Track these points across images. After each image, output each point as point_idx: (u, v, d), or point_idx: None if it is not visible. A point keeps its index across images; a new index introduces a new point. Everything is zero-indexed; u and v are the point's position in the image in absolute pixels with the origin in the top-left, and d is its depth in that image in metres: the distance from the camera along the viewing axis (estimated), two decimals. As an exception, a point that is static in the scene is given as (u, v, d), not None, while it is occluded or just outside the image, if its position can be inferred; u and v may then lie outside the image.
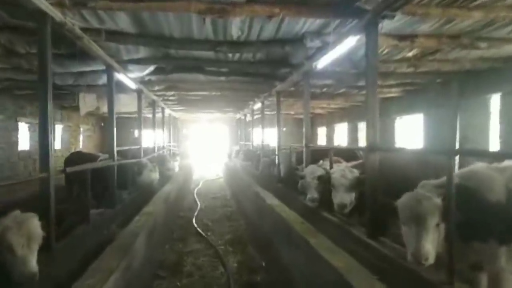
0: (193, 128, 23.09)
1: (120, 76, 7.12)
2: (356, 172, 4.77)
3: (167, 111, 15.26)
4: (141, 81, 8.66)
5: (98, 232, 5.25)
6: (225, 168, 17.88)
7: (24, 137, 12.52)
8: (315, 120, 20.66)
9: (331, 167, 5.47)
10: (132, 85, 8.06)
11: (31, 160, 12.83)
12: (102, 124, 20.68)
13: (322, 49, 5.66)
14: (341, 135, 17.47)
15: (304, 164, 6.82)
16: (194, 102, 13.44)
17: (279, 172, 8.73)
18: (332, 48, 5.35)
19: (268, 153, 11.62)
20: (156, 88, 9.78)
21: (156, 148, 11.61)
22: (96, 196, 7.13)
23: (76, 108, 16.13)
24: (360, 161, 5.34)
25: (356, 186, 4.66)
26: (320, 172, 5.64)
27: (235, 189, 11.52)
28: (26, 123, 12.47)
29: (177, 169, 16.14)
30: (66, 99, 10.73)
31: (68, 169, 4.32)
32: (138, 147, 9.03)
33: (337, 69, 7.38)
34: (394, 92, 11.05)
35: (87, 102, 10.25)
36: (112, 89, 6.53)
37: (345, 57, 6.05)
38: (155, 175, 8.33)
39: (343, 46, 5.22)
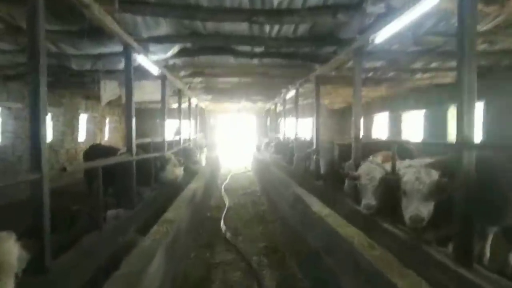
0: (220, 119, 22.24)
1: (140, 59, 6.22)
2: (434, 174, 3.64)
3: (194, 101, 14.41)
4: (165, 65, 7.76)
5: (112, 241, 4.41)
6: (254, 160, 16.92)
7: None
8: (348, 111, 19.28)
9: (393, 167, 4.36)
10: (155, 70, 7.16)
11: (54, 152, 12.33)
12: (128, 115, 20.15)
13: (384, 17, 4.51)
14: (379, 127, 16.09)
15: (352, 161, 5.71)
16: (222, 91, 12.49)
17: (318, 168, 7.66)
18: (400, 15, 4.20)
19: (303, 146, 10.55)
20: (182, 73, 8.87)
21: (181, 141, 10.77)
22: (117, 194, 6.43)
23: (76, 92, 15.62)
24: (441, 157, 4.15)
25: (436, 193, 3.54)
26: (379, 172, 4.53)
27: (266, 184, 10.54)
28: (49, 112, 11.94)
29: (204, 162, 15.47)
30: (88, 87, 10.03)
31: (70, 167, 3.43)
32: (162, 139, 8.17)
33: (394, 46, 6.18)
34: (450, 77, 9.63)
35: (108, 90, 9.48)
36: (130, 72, 5.64)
37: (407, 30, 4.87)
38: (180, 171, 7.47)
39: (414, 12, 4.07)
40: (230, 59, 7.52)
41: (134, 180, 5.54)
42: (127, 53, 5.55)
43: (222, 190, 11.32)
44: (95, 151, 7.53)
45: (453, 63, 8.26)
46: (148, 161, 6.57)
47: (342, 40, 5.84)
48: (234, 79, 10.34)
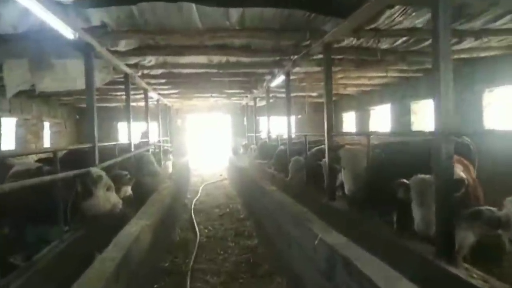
0: (189, 119, 19.19)
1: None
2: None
3: (153, 95, 11.41)
4: (89, 27, 4.84)
5: None
6: (230, 166, 14.10)
7: None
8: (338, 104, 16.80)
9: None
10: (65, 30, 4.22)
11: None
12: (78, 117, 16.83)
13: None
14: (378, 121, 13.67)
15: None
16: (188, 78, 9.58)
17: (331, 182, 5.04)
18: None
19: (300, 149, 7.87)
20: (123, 45, 5.92)
21: (132, 146, 7.80)
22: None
23: (37, 96, 12.37)
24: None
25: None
26: None
27: (251, 201, 7.78)
28: None
29: (170, 169, 12.52)
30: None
31: None
32: (90, 145, 5.18)
33: None
34: (490, 50, 7.17)
35: (15, 75, 6.41)
36: None
37: None
38: (116, 197, 4.59)
39: None
40: (193, 16, 4.72)
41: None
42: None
43: (192, 211, 8.42)
44: None
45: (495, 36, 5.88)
46: (57, 185, 3.68)
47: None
48: (202, 59, 7.49)
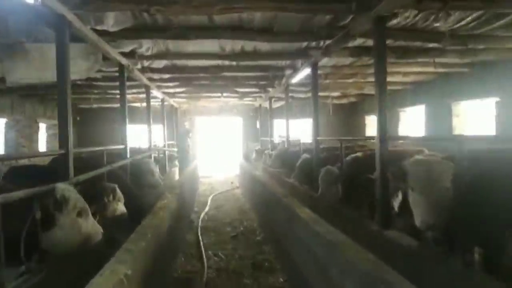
0: (197, 122, 17.86)
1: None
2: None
3: (156, 94, 10.14)
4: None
5: None
6: (242, 173, 12.74)
7: None
8: (359, 105, 15.38)
9: None
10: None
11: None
12: (78, 119, 15.64)
13: None
14: (409, 124, 12.20)
15: None
16: (194, 72, 8.26)
17: (386, 205, 3.68)
18: None
19: (326, 157, 6.54)
20: (111, 23, 4.61)
21: (128, 153, 6.49)
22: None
23: (30, 95, 11.20)
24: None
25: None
26: None
27: (269, 219, 6.41)
28: None
29: (176, 177, 11.30)
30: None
31: None
32: (62, 151, 3.86)
33: None
34: None
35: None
36: None
37: None
38: (90, 225, 3.29)
39: None
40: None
41: None
42: None
43: (199, 229, 7.04)
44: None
45: None
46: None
47: None
48: (212, 47, 6.16)
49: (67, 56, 3.91)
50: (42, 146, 12.66)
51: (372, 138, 5.15)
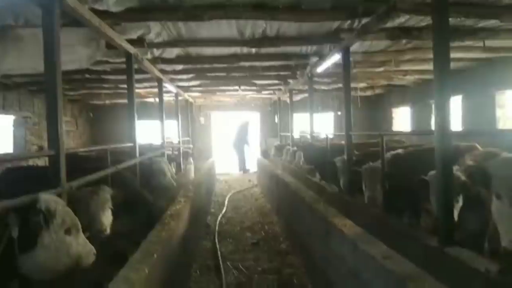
0: (213, 117, 17.17)
1: None
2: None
3: (169, 87, 9.48)
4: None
5: None
6: (260, 170, 12.04)
7: None
8: (385, 97, 14.42)
9: None
10: None
11: None
12: (91, 115, 15.22)
13: None
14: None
15: None
16: (209, 62, 7.55)
17: (449, 217, 2.91)
18: None
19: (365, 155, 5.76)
20: (115, 6, 3.92)
21: (137, 152, 5.82)
22: None
23: (38, 90, 10.71)
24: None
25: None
26: None
27: (295, 224, 5.68)
28: None
29: (192, 175, 10.72)
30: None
31: None
32: (52, 152, 3.19)
33: None
34: None
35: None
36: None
37: None
38: (81, 244, 2.62)
39: None
40: None
41: None
42: None
43: (216, 235, 6.37)
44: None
45: None
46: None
47: None
48: (229, 31, 5.43)
49: (56, 41, 3.23)
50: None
51: (427, 132, 4.33)
